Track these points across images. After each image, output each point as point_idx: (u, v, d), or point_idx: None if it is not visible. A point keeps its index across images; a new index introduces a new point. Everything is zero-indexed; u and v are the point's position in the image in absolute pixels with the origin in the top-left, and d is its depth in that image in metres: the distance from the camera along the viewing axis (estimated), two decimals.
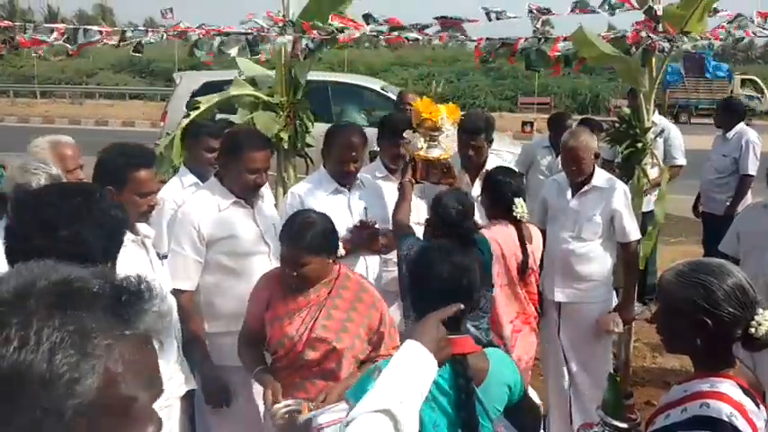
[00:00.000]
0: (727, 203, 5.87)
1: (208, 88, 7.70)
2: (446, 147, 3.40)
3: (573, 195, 3.87)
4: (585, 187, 3.84)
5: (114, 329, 0.80)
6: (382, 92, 8.99)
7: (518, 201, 3.42)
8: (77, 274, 0.84)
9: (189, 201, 3.18)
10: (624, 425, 2.00)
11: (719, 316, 1.75)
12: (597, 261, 3.86)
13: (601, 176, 3.88)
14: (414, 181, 3.37)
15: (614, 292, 4.05)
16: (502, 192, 3.46)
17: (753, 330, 1.76)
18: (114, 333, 0.80)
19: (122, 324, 0.81)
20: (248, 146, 3.05)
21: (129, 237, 2.67)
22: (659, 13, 3.82)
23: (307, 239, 2.56)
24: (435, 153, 3.34)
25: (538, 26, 4.19)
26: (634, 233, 3.85)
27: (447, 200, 3.03)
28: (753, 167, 5.88)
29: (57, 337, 0.75)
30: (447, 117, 3.35)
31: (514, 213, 3.40)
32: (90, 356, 0.77)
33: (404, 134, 3.46)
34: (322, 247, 2.59)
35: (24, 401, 0.73)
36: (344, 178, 3.38)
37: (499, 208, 3.46)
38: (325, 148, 3.41)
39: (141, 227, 2.75)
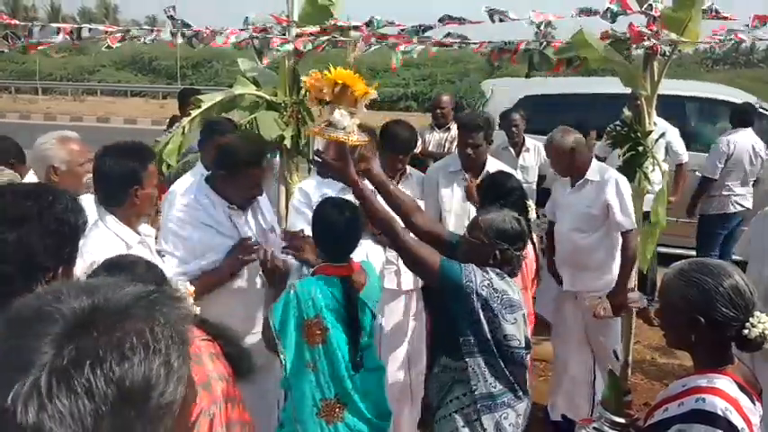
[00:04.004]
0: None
1: (527, 102, 6.68)
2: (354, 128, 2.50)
3: (570, 190, 4.11)
4: (579, 181, 4.04)
5: (186, 339, 0.86)
6: (760, 109, 7.01)
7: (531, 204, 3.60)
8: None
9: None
10: (622, 419, 2.04)
11: (713, 315, 1.80)
12: (600, 251, 4.03)
13: (595, 170, 4.04)
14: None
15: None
16: (515, 197, 3.47)
17: (746, 332, 1.80)
18: (186, 345, 0.86)
19: (186, 335, 0.86)
20: (245, 163, 3.01)
21: (135, 238, 2.68)
22: (656, 13, 3.82)
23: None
24: (363, 137, 2.54)
25: (540, 29, 4.19)
26: (628, 223, 3.91)
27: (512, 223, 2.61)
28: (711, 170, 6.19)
29: (171, 349, 0.82)
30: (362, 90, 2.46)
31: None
32: (185, 364, 0.84)
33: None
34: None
35: (133, 410, 0.77)
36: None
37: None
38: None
39: (142, 227, 2.77)
